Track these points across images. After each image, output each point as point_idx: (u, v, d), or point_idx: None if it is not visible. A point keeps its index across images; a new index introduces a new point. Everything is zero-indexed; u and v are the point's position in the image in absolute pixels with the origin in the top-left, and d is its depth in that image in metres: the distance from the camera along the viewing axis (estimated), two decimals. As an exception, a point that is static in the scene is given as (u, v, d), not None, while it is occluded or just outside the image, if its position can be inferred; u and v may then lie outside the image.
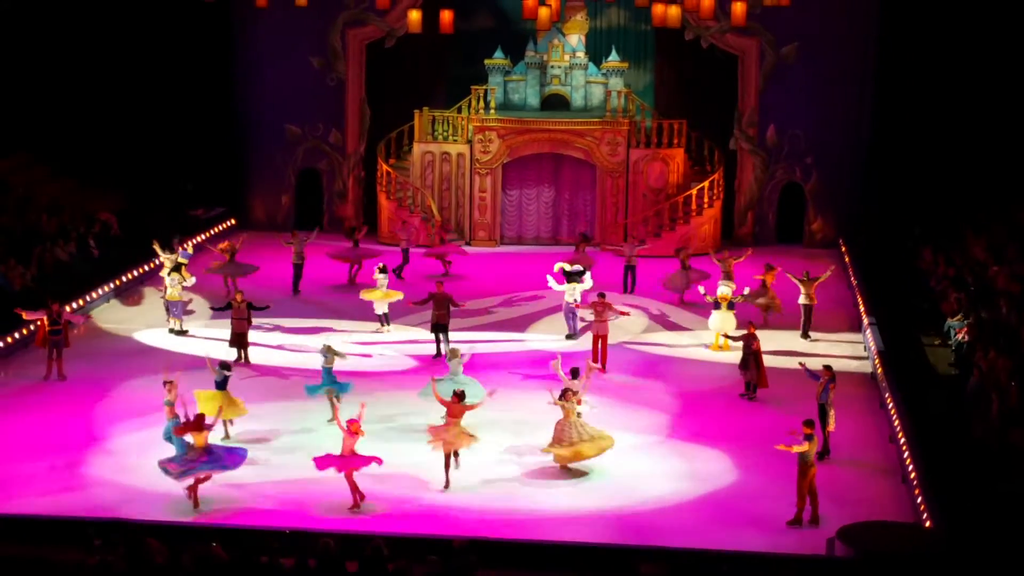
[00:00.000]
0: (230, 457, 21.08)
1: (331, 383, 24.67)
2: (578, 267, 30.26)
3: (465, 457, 22.33)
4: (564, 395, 22.65)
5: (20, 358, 28.37)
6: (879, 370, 26.76)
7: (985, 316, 28.15)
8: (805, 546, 19.58)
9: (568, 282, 29.65)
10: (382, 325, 30.61)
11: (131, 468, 22.31)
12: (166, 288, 30.62)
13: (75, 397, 26.00)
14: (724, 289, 29.44)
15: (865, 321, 30.33)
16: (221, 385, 23.69)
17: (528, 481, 22.13)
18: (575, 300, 29.58)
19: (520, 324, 31.61)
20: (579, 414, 22.65)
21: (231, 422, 23.88)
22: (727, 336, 28.49)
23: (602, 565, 17.44)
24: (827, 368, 23.47)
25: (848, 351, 29.50)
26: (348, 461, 20.90)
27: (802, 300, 30.48)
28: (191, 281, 30.69)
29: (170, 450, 21.54)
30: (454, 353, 24.89)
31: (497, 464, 22.78)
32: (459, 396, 22.29)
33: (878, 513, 20.54)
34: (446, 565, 17.22)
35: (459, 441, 21.90)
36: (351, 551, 17.51)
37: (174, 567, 17.05)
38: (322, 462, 20.99)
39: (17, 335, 28.79)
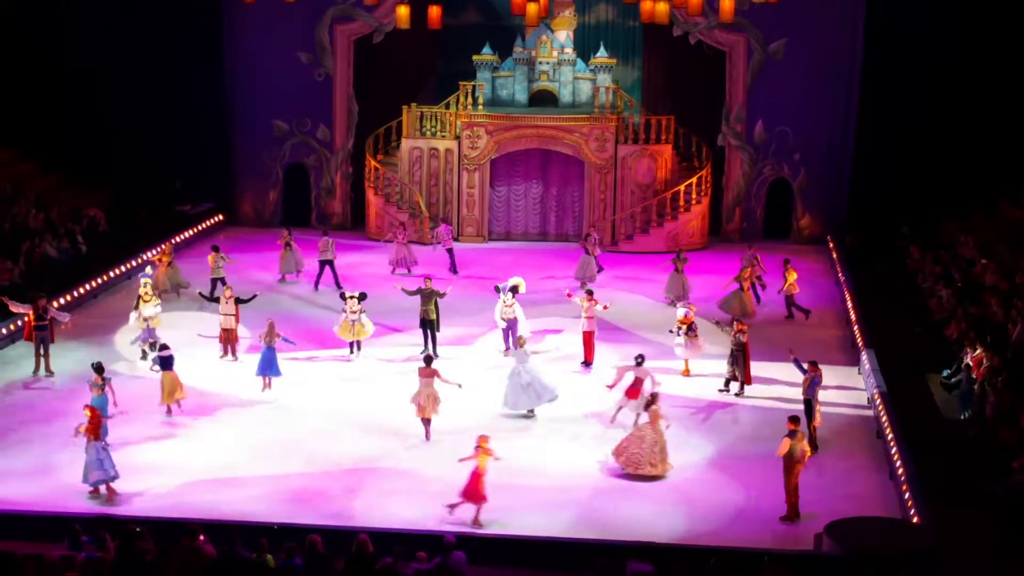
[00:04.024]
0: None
1: (270, 361, 26.01)
2: (514, 281, 28.98)
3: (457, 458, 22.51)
4: (653, 400, 22.55)
5: (8, 353, 28.34)
6: (867, 365, 26.81)
7: (973, 312, 28.23)
8: (792, 541, 19.64)
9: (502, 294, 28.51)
10: (351, 351, 28.50)
11: (117, 463, 22.24)
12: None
13: (63, 392, 25.94)
14: (687, 312, 27.85)
15: (852, 317, 30.39)
16: (165, 365, 24.52)
17: (517, 477, 22.15)
18: (510, 317, 28.39)
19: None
20: (668, 425, 22.58)
21: (179, 404, 24.64)
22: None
23: (591, 561, 17.43)
24: (813, 364, 23.51)
25: (836, 347, 29.53)
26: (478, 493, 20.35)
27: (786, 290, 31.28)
28: (155, 302, 28.62)
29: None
30: (521, 342, 25.45)
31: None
32: (427, 360, 24.02)
33: (865, 509, 20.58)
34: (435, 561, 17.22)
35: (429, 406, 23.41)
36: (338, 547, 17.51)
37: (161, 563, 17.05)
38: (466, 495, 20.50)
39: (5, 330, 28.75)
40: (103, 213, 38.18)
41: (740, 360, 26.10)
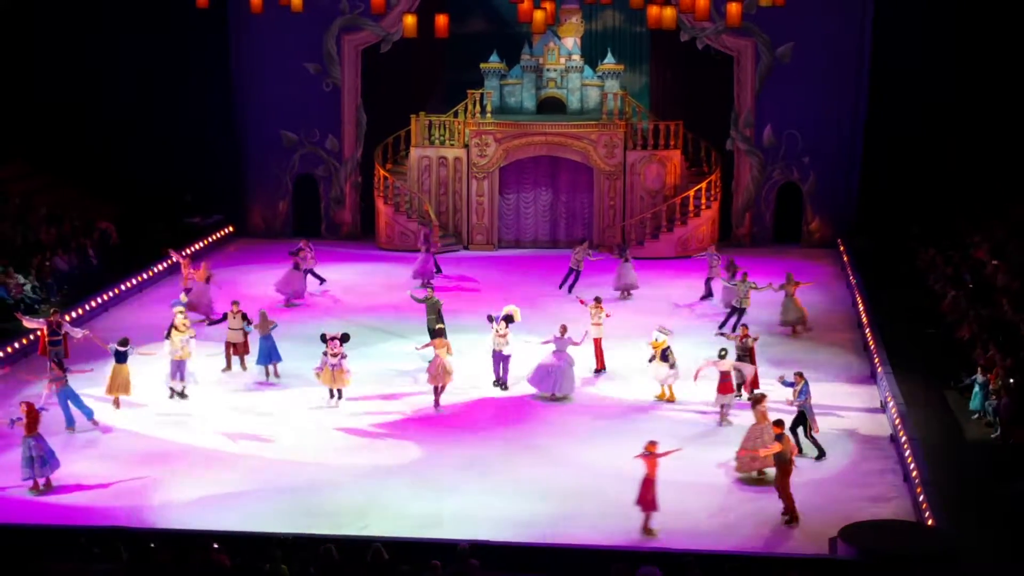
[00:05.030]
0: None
1: (269, 349, 27.13)
2: (509, 310, 27.53)
3: (471, 456, 22.73)
4: (760, 400, 22.39)
5: (22, 366, 28.35)
6: (880, 368, 26.76)
7: (985, 313, 28.17)
8: (807, 546, 19.60)
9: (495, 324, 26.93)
10: (331, 397, 26.11)
11: (132, 475, 22.32)
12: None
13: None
14: (659, 336, 26.57)
15: (864, 320, 30.34)
16: (120, 359, 25.37)
17: (530, 481, 22.15)
18: (500, 347, 26.87)
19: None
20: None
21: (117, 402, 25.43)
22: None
23: (603, 567, 17.40)
24: (799, 374, 23.44)
25: (848, 350, 29.47)
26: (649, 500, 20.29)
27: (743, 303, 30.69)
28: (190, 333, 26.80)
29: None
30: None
31: (504, 466, 22.84)
32: (440, 332, 26.25)
33: (880, 512, 20.55)
34: (450, 569, 17.21)
35: (439, 375, 25.33)
36: (353, 557, 17.50)
37: (176, 574, 17.07)
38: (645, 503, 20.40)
39: (18, 344, 28.78)
40: (114, 226, 38.21)
41: (748, 364, 26.01)
